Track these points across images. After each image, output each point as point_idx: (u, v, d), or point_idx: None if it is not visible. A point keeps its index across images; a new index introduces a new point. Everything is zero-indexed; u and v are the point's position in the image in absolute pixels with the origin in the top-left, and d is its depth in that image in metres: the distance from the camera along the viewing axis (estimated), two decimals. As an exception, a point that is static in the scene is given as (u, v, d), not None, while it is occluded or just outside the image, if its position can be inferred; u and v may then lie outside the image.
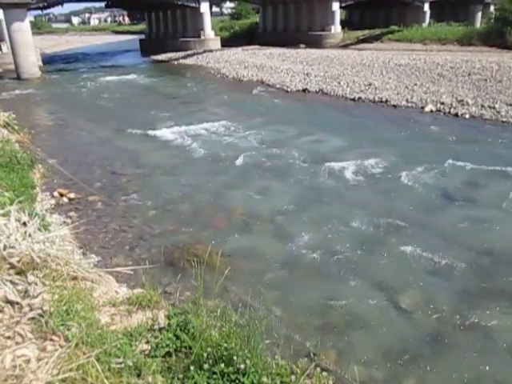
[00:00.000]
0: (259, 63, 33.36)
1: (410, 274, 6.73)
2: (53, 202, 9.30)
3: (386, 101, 19.85)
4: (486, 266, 6.91)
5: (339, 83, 23.82)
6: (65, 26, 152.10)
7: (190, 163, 12.48)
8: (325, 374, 3.56)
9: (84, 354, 2.83)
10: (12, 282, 3.40)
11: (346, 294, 6.30)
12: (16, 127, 13.64)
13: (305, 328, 5.58)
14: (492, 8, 47.66)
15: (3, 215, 4.34)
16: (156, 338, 3.44)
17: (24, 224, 4.29)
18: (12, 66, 32.99)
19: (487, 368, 4.95)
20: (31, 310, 3.17)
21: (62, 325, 3.10)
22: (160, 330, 3.54)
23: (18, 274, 3.56)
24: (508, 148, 12.85)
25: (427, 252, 7.28)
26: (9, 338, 2.90)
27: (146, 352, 3.32)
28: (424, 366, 5.02)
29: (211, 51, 43.58)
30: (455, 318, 5.75)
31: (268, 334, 4.09)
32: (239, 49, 44.19)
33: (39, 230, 4.46)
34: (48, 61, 44.42)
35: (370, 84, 22.59)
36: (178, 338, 3.43)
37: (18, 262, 3.62)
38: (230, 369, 3.10)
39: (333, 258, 7.24)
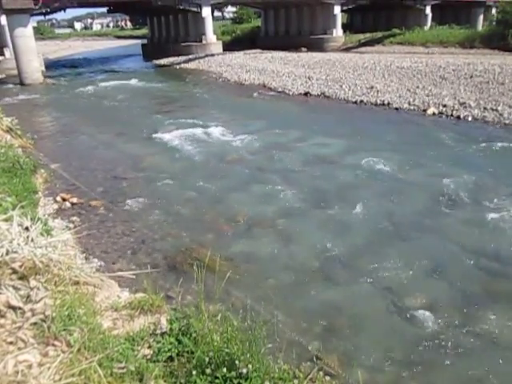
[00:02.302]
0: (261, 67, 33.41)
1: (414, 277, 6.71)
2: (55, 206, 9.30)
3: (388, 104, 19.84)
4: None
5: (341, 86, 23.83)
6: (67, 31, 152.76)
7: (192, 167, 12.48)
8: (328, 378, 3.56)
9: (86, 358, 2.83)
10: (14, 287, 3.40)
11: (349, 297, 6.28)
12: (19, 132, 13.69)
13: (308, 332, 5.55)
14: (494, 11, 47.66)
15: (6, 220, 4.35)
16: (158, 342, 3.44)
17: (26, 229, 4.29)
18: (15, 72, 33.12)
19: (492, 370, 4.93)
20: (33, 315, 3.16)
21: (64, 330, 3.09)
22: (162, 334, 3.54)
23: (20, 278, 3.56)
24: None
25: (428, 257, 7.28)
26: (11, 343, 2.90)
27: (148, 357, 3.32)
28: (428, 370, 4.99)
29: (213, 55, 43.67)
30: (460, 320, 5.73)
31: (270, 338, 4.08)
32: (241, 53, 44.27)
33: (42, 234, 4.46)
34: (51, 66, 44.55)
35: (372, 87, 22.58)
36: (180, 342, 3.43)
37: (21, 266, 3.62)
38: (233, 373, 3.09)
39: (335, 259, 7.23)
